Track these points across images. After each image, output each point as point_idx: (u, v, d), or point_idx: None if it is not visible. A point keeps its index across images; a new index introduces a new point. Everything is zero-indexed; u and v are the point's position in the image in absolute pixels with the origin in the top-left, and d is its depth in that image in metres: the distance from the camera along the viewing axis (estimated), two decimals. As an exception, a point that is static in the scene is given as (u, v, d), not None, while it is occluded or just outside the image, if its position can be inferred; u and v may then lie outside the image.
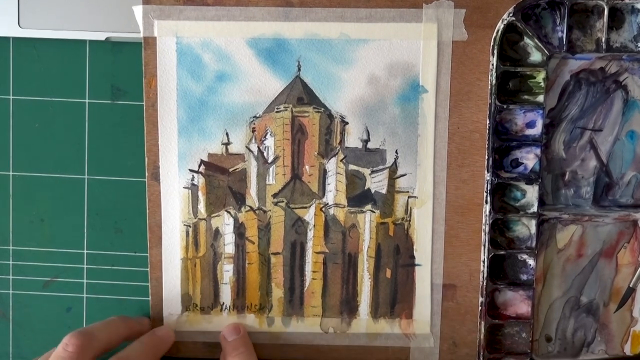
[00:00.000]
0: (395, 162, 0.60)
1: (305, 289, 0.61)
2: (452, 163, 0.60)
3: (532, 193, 0.59)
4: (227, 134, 0.60)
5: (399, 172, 0.60)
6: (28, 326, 0.66)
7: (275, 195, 0.61)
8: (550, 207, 0.60)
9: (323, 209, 0.61)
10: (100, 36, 0.62)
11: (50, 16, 0.62)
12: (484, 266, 0.59)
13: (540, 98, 0.59)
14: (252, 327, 0.62)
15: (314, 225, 0.61)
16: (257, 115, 0.60)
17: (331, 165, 0.60)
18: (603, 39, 0.58)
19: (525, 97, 0.59)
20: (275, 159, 0.60)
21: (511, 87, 0.59)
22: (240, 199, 0.61)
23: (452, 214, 0.60)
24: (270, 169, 0.61)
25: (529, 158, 0.59)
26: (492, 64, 0.58)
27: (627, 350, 0.62)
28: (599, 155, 0.60)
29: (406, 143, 0.60)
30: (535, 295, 0.61)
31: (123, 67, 0.63)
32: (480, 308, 0.60)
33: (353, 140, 0.60)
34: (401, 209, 0.60)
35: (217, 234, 0.61)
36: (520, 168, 0.60)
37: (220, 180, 0.61)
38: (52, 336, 0.66)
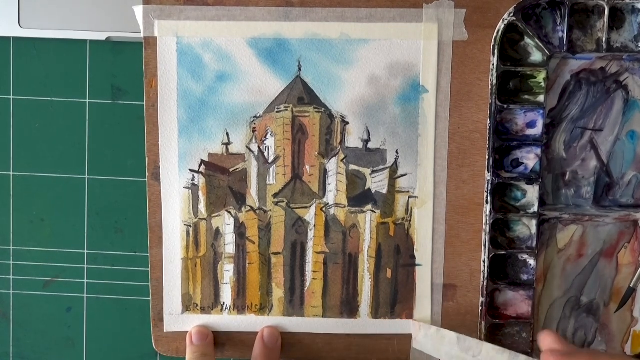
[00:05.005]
0: (395, 162, 0.60)
1: (306, 289, 0.61)
2: (453, 163, 0.60)
3: (532, 193, 0.59)
4: (227, 134, 0.60)
5: (400, 172, 0.60)
6: (28, 326, 0.66)
7: (275, 195, 0.61)
8: (550, 207, 0.60)
9: (323, 209, 0.61)
10: (101, 36, 0.62)
11: (50, 16, 0.62)
12: (484, 266, 0.59)
13: (541, 98, 0.59)
14: (252, 327, 0.62)
15: (315, 225, 0.61)
16: (258, 115, 0.60)
17: (332, 165, 0.60)
18: (603, 39, 0.58)
19: (526, 97, 0.59)
20: (276, 159, 0.60)
21: (512, 87, 0.59)
22: (240, 199, 0.61)
23: (452, 214, 0.60)
24: (271, 169, 0.61)
25: (530, 158, 0.59)
26: (493, 64, 0.58)
27: (628, 350, 0.62)
28: (599, 155, 0.60)
29: (407, 143, 0.60)
30: (536, 295, 0.61)
31: (123, 67, 0.63)
32: (480, 308, 0.60)
33: (353, 140, 0.60)
34: (402, 209, 0.60)
35: (217, 234, 0.61)
36: (521, 168, 0.60)
37: (221, 180, 0.61)
38: (52, 336, 0.66)
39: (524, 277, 0.60)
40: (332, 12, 0.59)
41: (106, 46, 0.63)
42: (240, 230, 0.61)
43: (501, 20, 0.57)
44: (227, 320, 0.62)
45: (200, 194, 0.61)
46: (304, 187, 0.61)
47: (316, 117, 0.60)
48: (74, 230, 0.65)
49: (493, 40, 0.58)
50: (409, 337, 0.61)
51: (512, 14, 0.57)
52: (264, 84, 0.60)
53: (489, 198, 0.59)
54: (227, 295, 0.61)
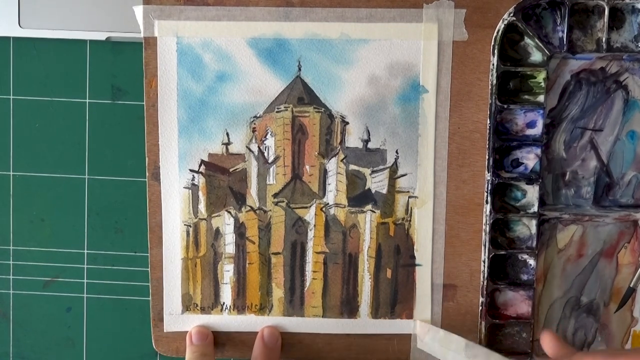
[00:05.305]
0: (395, 162, 0.60)
1: (306, 289, 0.61)
2: (453, 163, 0.60)
3: (532, 193, 0.59)
4: (227, 134, 0.60)
5: (400, 172, 0.60)
6: (28, 326, 0.66)
7: (275, 195, 0.61)
8: (550, 207, 0.60)
9: (323, 209, 0.61)
10: (101, 36, 0.62)
11: (50, 16, 0.62)
12: (484, 266, 0.59)
13: (541, 98, 0.59)
14: (252, 327, 0.62)
15: (315, 225, 0.61)
16: (258, 115, 0.60)
17: (332, 165, 0.60)
18: (603, 39, 0.58)
19: (526, 97, 0.59)
20: (276, 159, 0.60)
21: (512, 87, 0.59)
22: (240, 199, 0.61)
23: (452, 214, 0.60)
24: (271, 169, 0.61)
25: (530, 158, 0.59)
26: (493, 64, 0.58)
27: (628, 350, 0.62)
28: (599, 155, 0.60)
29: (407, 143, 0.60)
30: (536, 295, 0.61)
31: (123, 67, 0.63)
32: (480, 308, 0.60)
33: (353, 140, 0.60)
34: (402, 209, 0.60)
35: (217, 233, 0.61)
36: (521, 168, 0.60)
37: (221, 180, 0.61)
38: (52, 336, 0.66)
39: (524, 277, 0.60)
40: (332, 12, 0.59)
41: (106, 46, 0.63)
42: (240, 230, 0.61)
43: (501, 20, 0.57)
44: (227, 320, 0.62)
45: (200, 194, 0.61)
46: (304, 187, 0.61)
47: (316, 117, 0.60)
48: (74, 230, 0.65)
49: (493, 40, 0.58)
50: (409, 337, 0.61)
51: (512, 14, 0.57)
52: (264, 84, 0.60)
53: (489, 198, 0.59)
54: (227, 295, 0.61)
